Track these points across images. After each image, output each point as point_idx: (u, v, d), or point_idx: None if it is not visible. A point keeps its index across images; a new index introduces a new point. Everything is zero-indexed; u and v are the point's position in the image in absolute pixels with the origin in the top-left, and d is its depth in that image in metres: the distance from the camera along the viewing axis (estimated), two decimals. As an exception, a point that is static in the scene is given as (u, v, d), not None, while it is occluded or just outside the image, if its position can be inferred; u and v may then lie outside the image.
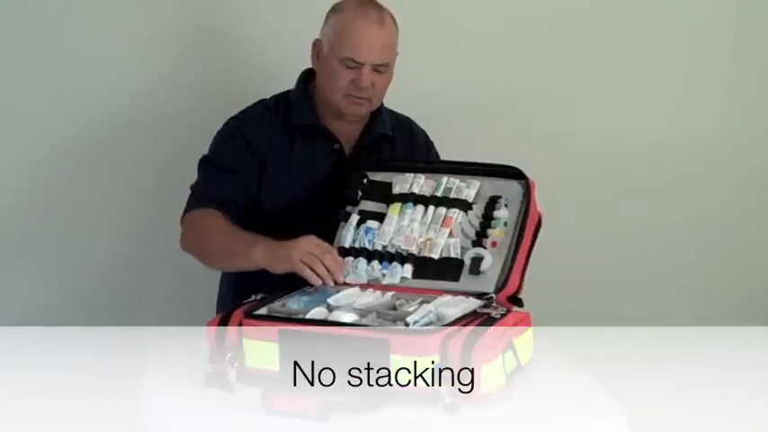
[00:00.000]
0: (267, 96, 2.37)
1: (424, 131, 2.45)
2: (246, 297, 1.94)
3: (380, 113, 2.35)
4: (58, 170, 2.74)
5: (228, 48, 2.77)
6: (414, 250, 2.03)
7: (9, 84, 2.69)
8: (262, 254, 2.01)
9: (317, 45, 2.28)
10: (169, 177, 2.76)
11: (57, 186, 2.75)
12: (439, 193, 2.08)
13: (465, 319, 1.77)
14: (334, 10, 2.25)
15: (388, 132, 2.35)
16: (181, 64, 2.76)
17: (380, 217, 2.10)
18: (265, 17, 2.76)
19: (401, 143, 2.38)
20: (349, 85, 2.20)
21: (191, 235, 2.23)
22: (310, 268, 1.95)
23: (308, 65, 2.34)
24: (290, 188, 2.26)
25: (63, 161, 2.74)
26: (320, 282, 1.95)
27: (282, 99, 2.34)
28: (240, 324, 1.80)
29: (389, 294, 1.95)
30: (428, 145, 2.45)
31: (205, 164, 2.30)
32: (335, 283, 1.97)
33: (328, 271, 1.96)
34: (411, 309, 1.82)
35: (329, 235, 2.11)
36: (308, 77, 2.34)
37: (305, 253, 1.95)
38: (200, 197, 2.25)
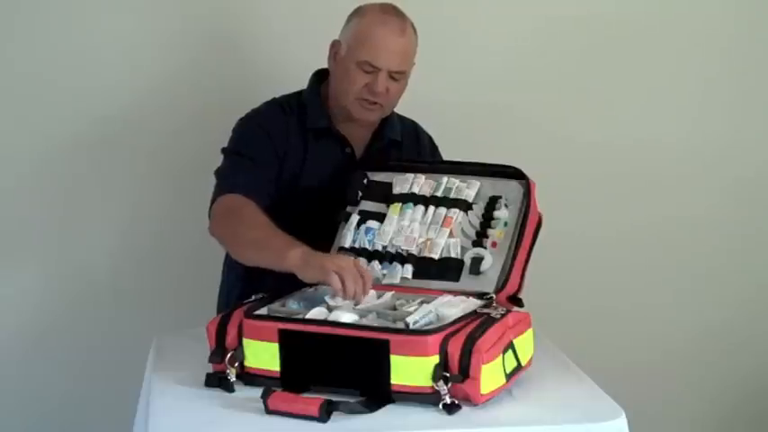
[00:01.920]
0: (273, 96, 2.36)
1: (429, 135, 2.45)
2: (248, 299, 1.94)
3: (391, 118, 2.35)
4: (60, 171, 2.73)
5: (234, 49, 2.76)
6: (414, 250, 2.03)
7: (11, 85, 2.69)
8: (297, 257, 1.90)
9: (335, 46, 2.27)
10: (171, 179, 2.76)
11: (58, 187, 2.74)
12: (439, 194, 2.08)
13: (465, 320, 1.77)
14: (357, 13, 2.24)
15: (397, 138, 2.35)
16: (185, 65, 2.75)
17: (381, 217, 2.09)
18: (270, 19, 2.75)
19: (408, 148, 2.38)
20: (363, 89, 2.19)
21: (224, 221, 2.13)
22: (342, 281, 1.85)
23: (315, 66, 2.34)
24: (301, 189, 2.26)
25: (66, 161, 2.73)
26: (342, 294, 1.85)
27: (294, 100, 2.32)
28: (240, 324, 1.80)
29: (389, 294, 1.94)
30: (433, 148, 2.44)
31: (232, 153, 2.26)
32: (355, 303, 1.88)
33: (358, 291, 1.86)
34: (411, 309, 1.82)
35: (333, 237, 2.11)
36: (319, 78, 2.34)
37: (342, 266, 1.87)
38: (231, 183, 2.18)
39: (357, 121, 2.26)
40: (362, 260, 2.04)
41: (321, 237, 2.09)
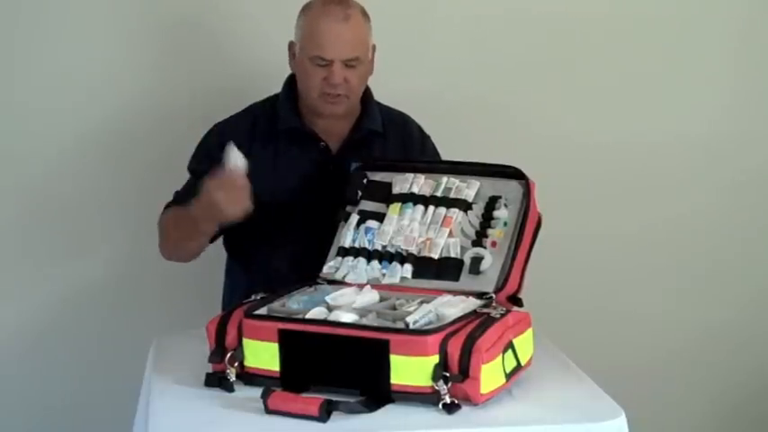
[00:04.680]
0: (259, 98, 2.38)
1: (418, 125, 2.44)
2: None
3: (370, 109, 2.35)
4: (60, 172, 2.74)
5: (221, 49, 2.76)
6: (413, 250, 2.03)
7: (9, 90, 2.70)
8: (201, 222, 2.11)
9: (291, 47, 2.30)
10: (171, 179, 2.76)
11: (58, 187, 2.75)
12: (439, 193, 2.08)
13: (465, 319, 1.76)
14: (303, 10, 2.27)
15: (377, 129, 2.35)
16: (171, 67, 2.75)
17: (380, 217, 2.09)
18: (258, 18, 2.75)
19: (394, 138, 2.37)
20: (322, 84, 2.21)
21: (160, 239, 2.30)
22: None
23: None
24: (277, 190, 2.25)
25: (66, 163, 2.74)
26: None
27: (269, 103, 2.36)
28: (240, 324, 1.80)
29: (389, 294, 1.95)
30: (423, 138, 2.43)
31: (189, 171, 2.35)
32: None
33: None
34: (411, 309, 1.82)
35: (329, 235, 2.11)
36: (293, 79, 2.35)
37: (204, 202, 2.03)
38: (173, 200, 2.31)
39: (326, 116, 2.27)
40: (362, 261, 2.04)
41: (307, 231, 2.12)
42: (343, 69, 2.20)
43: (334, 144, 2.31)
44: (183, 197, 2.25)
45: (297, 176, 2.28)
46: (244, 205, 2.02)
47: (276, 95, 2.36)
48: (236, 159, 2.01)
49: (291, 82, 2.34)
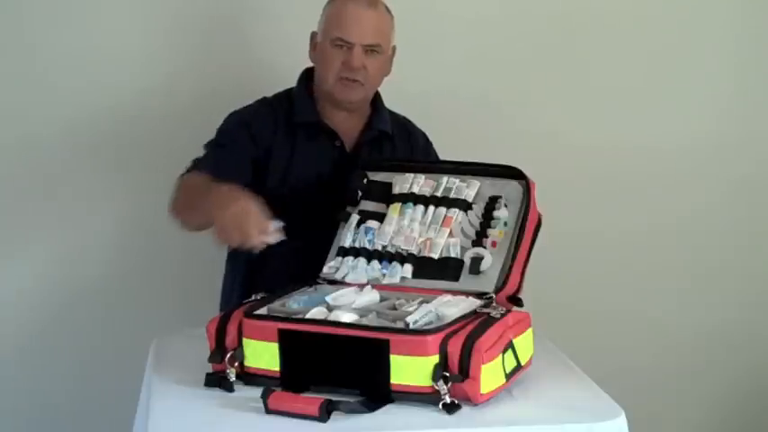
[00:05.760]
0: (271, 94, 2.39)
1: (422, 132, 2.46)
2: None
3: (381, 110, 2.37)
4: (59, 169, 2.74)
5: (238, 45, 2.77)
6: (414, 250, 2.03)
7: (13, 79, 2.70)
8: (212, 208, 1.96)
9: (313, 37, 2.33)
10: (171, 178, 2.76)
11: (57, 186, 2.75)
12: (439, 193, 2.08)
13: (465, 319, 1.77)
14: (328, 2, 2.31)
15: (388, 130, 2.37)
16: (189, 61, 2.76)
17: (380, 217, 2.09)
18: (278, 15, 2.75)
19: (400, 144, 2.40)
20: (341, 68, 2.24)
21: (173, 198, 2.20)
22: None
23: None
24: (292, 184, 2.27)
25: (65, 160, 2.74)
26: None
27: (284, 96, 2.36)
28: (240, 324, 1.80)
29: (389, 294, 1.95)
30: (427, 146, 2.46)
31: (209, 145, 2.31)
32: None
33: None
34: (411, 309, 1.82)
35: (331, 234, 2.11)
36: (308, 75, 2.37)
37: (223, 229, 1.92)
38: (195, 166, 2.25)
39: (341, 102, 2.29)
40: (362, 261, 2.04)
41: (317, 228, 2.11)
42: (362, 55, 2.23)
43: (348, 143, 2.33)
44: (212, 165, 2.19)
45: (313, 172, 2.29)
46: (234, 239, 1.92)
47: (287, 90, 2.37)
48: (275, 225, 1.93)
49: (306, 78, 2.36)
